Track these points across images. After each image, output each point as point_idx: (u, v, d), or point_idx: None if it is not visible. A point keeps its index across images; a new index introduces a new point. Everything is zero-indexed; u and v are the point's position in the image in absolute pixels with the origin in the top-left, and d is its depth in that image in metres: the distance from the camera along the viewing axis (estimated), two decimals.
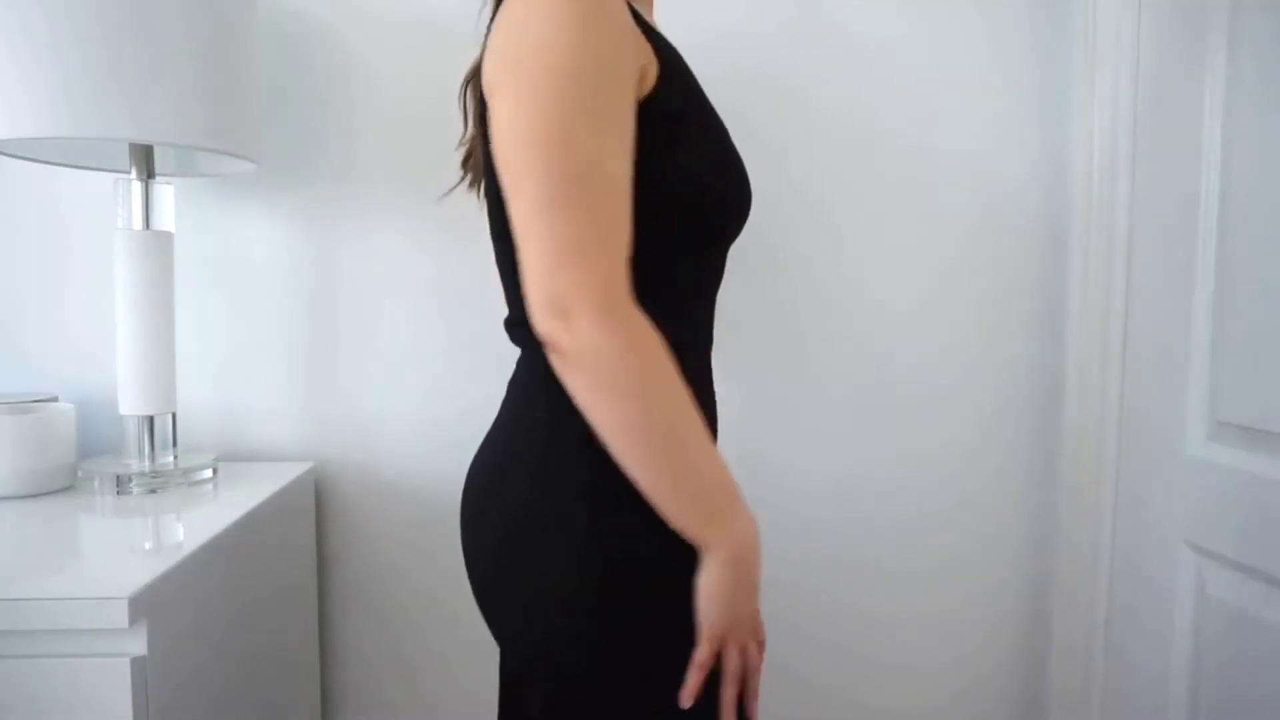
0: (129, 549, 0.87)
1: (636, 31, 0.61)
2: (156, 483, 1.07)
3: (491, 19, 0.68)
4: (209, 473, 1.13)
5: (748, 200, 0.71)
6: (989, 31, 1.27)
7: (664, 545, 0.57)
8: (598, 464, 0.57)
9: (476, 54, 0.80)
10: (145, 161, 1.07)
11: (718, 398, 0.81)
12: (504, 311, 0.78)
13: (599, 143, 0.55)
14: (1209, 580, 1.05)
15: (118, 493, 1.05)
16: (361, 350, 1.27)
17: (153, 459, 1.08)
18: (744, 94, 1.26)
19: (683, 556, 0.58)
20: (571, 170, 0.54)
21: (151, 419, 1.08)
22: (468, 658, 1.30)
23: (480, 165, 0.74)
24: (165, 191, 1.09)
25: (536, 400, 0.68)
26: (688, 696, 0.57)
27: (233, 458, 1.26)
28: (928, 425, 1.31)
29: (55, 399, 1.18)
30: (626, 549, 0.58)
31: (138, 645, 0.73)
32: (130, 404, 1.07)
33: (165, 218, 1.09)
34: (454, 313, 1.26)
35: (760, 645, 0.60)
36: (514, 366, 0.78)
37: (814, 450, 1.31)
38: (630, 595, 0.59)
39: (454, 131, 1.23)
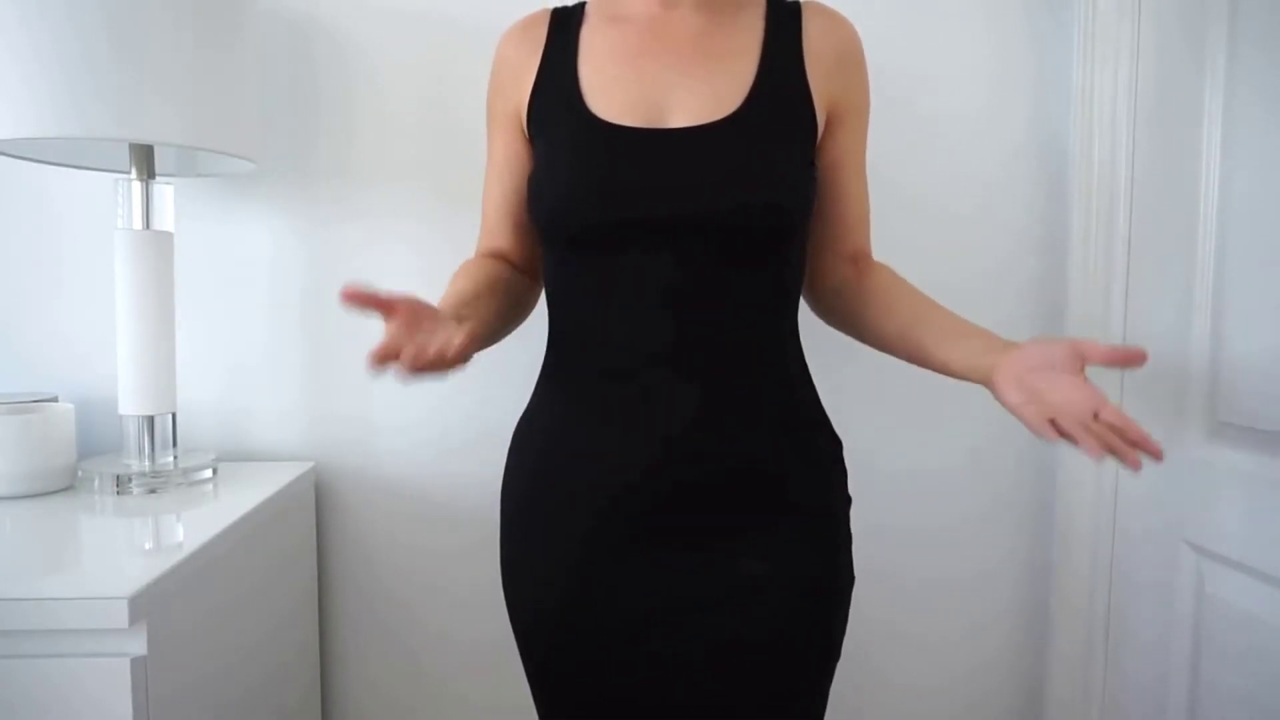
0: (129, 549, 0.87)
1: (510, 77, 0.86)
2: (156, 483, 1.07)
3: None
4: (209, 473, 1.13)
5: (561, 208, 0.79)
6: (988, 34, 1.27)
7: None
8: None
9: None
10: (145, 161, 1.07)
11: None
12: None
13: (488, 167, 0.92)
14: (1209, 580, 1.05)
15: (118, 493, 1.05)
16: (362, 350, 1.27)
17: (153, 459, 1.08)
18: None
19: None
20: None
21: (151, 419, 1.08)
22: (468, 656, 1.30)
23: None
24: (165, 191, 1.09)
25: None
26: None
27: (233, 458, 1.26)
28: (925, 424, 1.31)
29: (55, 399, 1.18)
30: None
31: (138, 645, 0.73)
32: (130, 404, 1.07)
33: (165, 218, 1.09)
34: None
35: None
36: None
37: None
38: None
39: (455, 130, 1.24)
